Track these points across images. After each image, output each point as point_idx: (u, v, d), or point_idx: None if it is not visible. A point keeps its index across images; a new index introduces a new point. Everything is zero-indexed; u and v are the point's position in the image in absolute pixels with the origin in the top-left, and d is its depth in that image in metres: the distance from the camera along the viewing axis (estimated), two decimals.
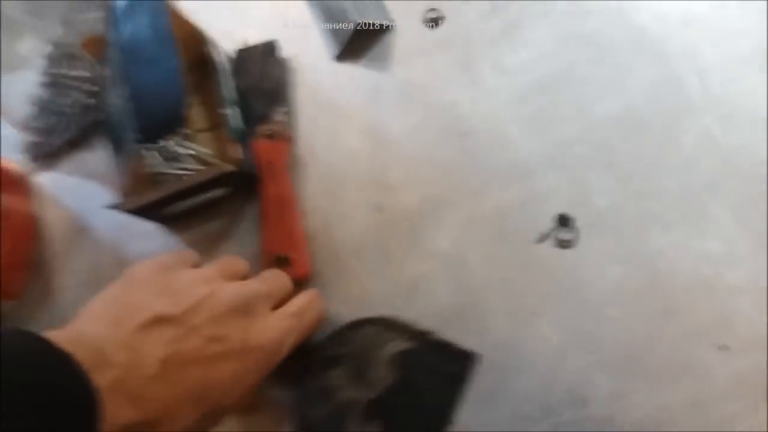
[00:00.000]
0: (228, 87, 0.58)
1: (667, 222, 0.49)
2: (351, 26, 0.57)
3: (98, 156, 0.64)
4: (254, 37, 0.62)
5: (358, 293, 0.54)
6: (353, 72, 0.60)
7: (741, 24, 0.52)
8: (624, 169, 0.52)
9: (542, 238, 0.52)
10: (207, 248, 0.59)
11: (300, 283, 0.55)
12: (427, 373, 0.47)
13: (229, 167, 0.54)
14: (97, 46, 0.61)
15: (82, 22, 0.65)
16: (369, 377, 0.47)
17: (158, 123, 0.50)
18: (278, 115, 0.58)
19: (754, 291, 0.46)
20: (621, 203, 0.51)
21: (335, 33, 0.59)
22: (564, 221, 0.52)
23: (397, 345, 0.48)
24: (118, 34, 0.51)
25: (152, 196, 0.54)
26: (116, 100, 0.52)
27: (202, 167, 0.56)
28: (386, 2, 0.60)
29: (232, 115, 0.56)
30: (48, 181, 0.65)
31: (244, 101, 0.59)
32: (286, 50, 0.61)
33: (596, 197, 0.51)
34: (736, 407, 0.44)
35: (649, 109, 0.52)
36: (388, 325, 0.49)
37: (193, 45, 0.58)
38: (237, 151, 0.55)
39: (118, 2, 0.53)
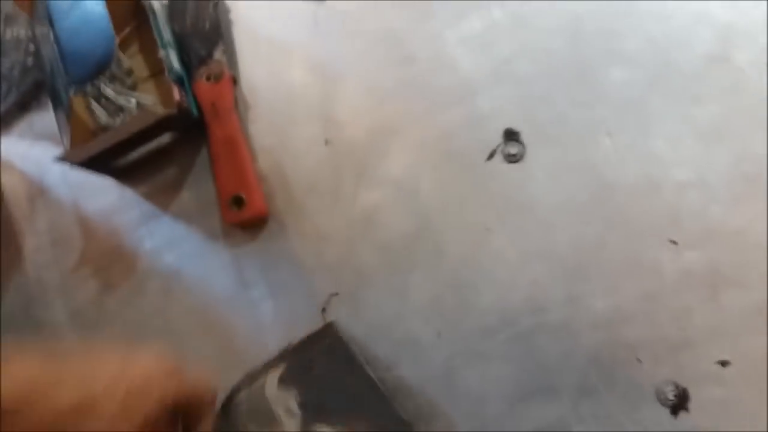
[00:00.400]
0: (165, 30, 0.57)
1: (612, 127, 0.49)
2: None
3: (47, 116, 0.63)
4: None
5: (315, 230, 0.54)
6: (289, 5, 0.59)
7: None
8: (567, 78, 0.51)
9: (491, 155, 0.52)
10: (162, 198, 0.58)
11: (258, 223, 0.55)
12: (318, 369, 0.47)
13: (166, 111, 0.53)
14: (29, 1, 0.59)
15: None
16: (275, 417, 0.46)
17: (88, 62, 0.49)
18: (217, 56, 0.57)
19: (700, 186, 0.46)
20: (566, 113, 0.50)
21: None
22: (511, 135, 0.52)
23: (273, 376, 0.47)
24: None
25: (97, 146, 0.54)
26: (48, 48, 0.51)
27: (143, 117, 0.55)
28: None
29: (170, 57, 0.56)
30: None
31: (182, 45, 0.58)
32: None
33: (541, 109, 0.51)
34: (689, 299, 0.44)
35: (590, 16, 0.51)
36: (250, 378, 0.48)
37: None
38: (176, 94, 0.54)
39: None
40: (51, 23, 0.50)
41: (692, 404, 0.43)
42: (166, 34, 0.57)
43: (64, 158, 0.54)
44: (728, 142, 0.46)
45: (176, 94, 0.54)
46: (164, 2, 0.59)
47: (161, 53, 0.55)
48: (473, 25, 0.54)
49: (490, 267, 0.49)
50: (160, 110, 0.54)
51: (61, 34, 0.50)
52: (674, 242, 0.46)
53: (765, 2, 0.48)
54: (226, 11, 0.60)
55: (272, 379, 0.47)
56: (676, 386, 0.43)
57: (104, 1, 0.52)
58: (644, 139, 0.48)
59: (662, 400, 0.43)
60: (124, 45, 0.60)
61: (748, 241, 0.44)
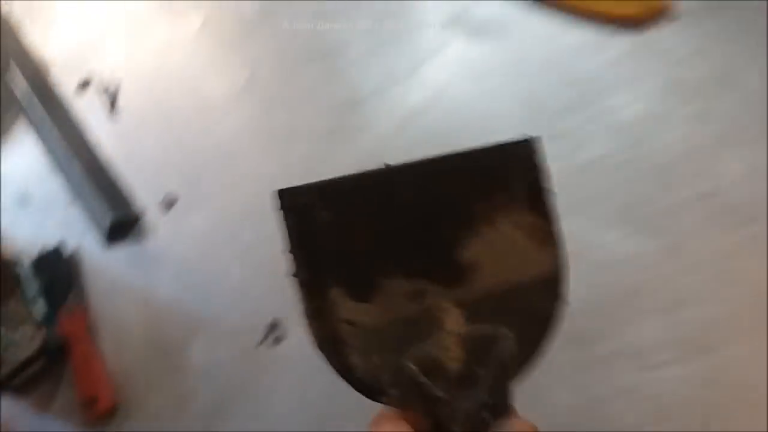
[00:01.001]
0: (31, 287, 0.81)
1: None
2: (106, 223, 0.81)
3: None
4: (50, 239, 0.86)
5: (154, 403, 0.77)
6: (124, 252, 0.84)
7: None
8: None
9: (260, 342, 0.76)
10: (45, 403, 0.81)
11: (112, 411, 0.78)
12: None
13: (36, 347, 0.77)
14: None
15: None
16: None
17: None
18: (73, 297, 0.82)
19: None
20: None
21: (99, 227, 0.83)
22: (274, 325, 0.76)
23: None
24: None
25: None
26: None
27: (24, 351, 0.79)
28: (134, 187, 0.85)
29: (38, 307, 0.80)
30: None
31: (47, 290, 0.82)
32: (70, 245, 0.85)
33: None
34: None
35: None
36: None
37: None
38: (43, 332, 0.78)
39: None
40: None
41: None
42: (32, 290, 0.81)
43: None
44: None
45: (43, 332, 0.78)
46: (33, 261, 0.84)
47: (29, 308, 0.79)
48: (262, 254, 0.79)
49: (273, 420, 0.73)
50: (35, 345, 0.78)
51: None
52: None
53: None
54: (79, 261, 0.85)
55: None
56: None
57: None
58: None
59: None
60: (9, 294, 0.85)
61: None
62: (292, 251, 0.30)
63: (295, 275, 0.31)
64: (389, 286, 0.30)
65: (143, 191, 0.84)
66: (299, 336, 0.73)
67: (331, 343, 0.30)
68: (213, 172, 0.82)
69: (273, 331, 0.75)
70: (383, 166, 0.31)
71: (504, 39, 0.73)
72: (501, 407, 0.28)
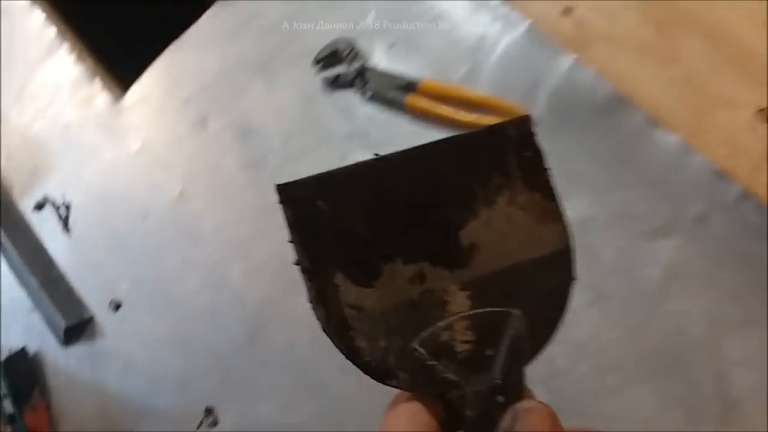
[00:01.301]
0: (1, 388, 0.92)
1: (287, 394, 0.84)
2: (61, 328, 0.92)
3: None
4: (15, 342, 0.97)
5: None
6: (78, 352, 0.95)
7: None
8: (262, 355, 0.87)
9: (198, 427, 0.87)
10: None
11: None
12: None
13: None
14: None
15: None
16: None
17: None
18: (36, 394, 0.93)
19: None
20: (253, 384, 0.86)
21: (55, 331, 0.95)
22: (209, 411, 0.87)
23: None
24: None
25: None
26: None
27: None
28: (86, 293, 0.96)
29: (6, 405, 0.91)
30: None
31: (14, 391, 0.94)
32: (33, 347, 0.97)
33: (229, 386, 0.86)
34: None
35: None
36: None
37: None
38: (11, 430, 0.89)
39: None
40: None
41: None
42: (1, 389, 0.92)
43: None
44: None
45: (11, 428, 0.89)
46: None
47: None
48: (177, 365, 0.90)
49: None
50: None
51: None
52: None
53: None
54: (41, 361, 0.96)
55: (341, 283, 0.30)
56: None
57: None
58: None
59: None
60: None
61: None
62: (292, 241, 0.31)
63: (297, 263, 0.30)
64: (391, 271, 0.30)
65: (94, 296, 0.96)
66: (231, 420, 0.84)
67: (336, 327, 0.29)
68: (154, 275, 0.93)
69: (208, 417, 0.86)
70: (375, 156, 0.31)
71: (393, 149, 0.85)
72: (515, 389, 0.29)
